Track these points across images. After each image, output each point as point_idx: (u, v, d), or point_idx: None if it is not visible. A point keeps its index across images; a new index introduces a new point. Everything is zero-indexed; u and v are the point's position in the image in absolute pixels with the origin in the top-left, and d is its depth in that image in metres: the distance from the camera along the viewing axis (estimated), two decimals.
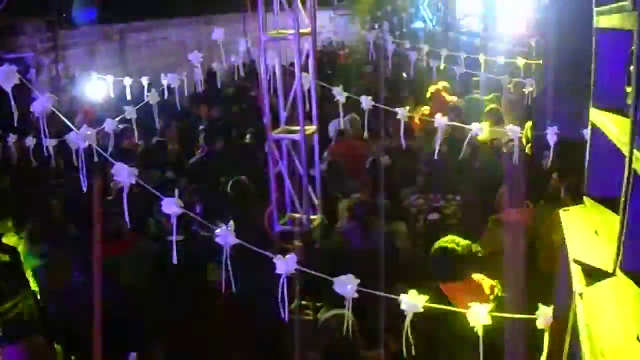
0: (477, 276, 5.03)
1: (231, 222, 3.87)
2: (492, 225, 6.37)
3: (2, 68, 3.78)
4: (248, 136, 9.29)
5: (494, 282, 5.02)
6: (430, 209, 7.17)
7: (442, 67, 11.78)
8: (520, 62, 11.11)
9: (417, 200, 7.13)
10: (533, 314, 3.67)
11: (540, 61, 10.78)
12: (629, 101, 2.58)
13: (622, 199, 2.36)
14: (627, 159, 2.33)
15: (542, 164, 7.41)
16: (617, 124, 2.72)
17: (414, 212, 7.22)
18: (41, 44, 12.83)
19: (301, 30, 5.92)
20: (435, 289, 4.86)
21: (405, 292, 3.87)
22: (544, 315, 3.44)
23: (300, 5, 6.01)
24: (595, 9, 3.07)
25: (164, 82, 8.42)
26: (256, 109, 11.53)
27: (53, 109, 3.94)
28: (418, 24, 25.98)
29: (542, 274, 5.42)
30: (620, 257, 2.40)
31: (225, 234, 3.77)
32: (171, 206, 3.76)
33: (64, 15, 13.79)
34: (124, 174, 3.77)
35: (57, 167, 7.95)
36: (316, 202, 6.46)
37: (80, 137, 3.81)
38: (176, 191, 3.83)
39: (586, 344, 2.09)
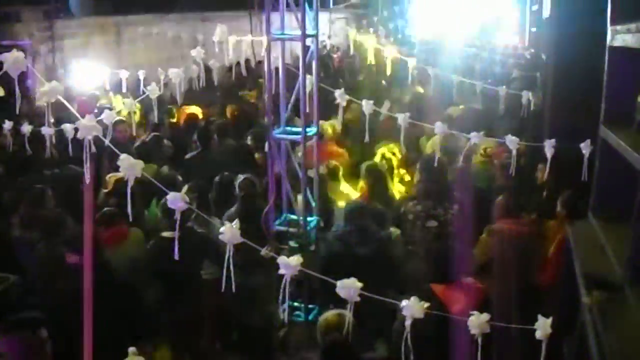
0: (468, 279, 5.10)
1: (236, 220, 3.86)
2: (487, 235, 6.42)
3: (10, 54, 3.75)
4: (249, 137, 9.25)
5: (484, 286, 5.09)
6: (427, 216, 7.17)
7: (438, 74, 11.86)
8: (516, 73, 11.18)
9: (415, 207, 7.13)
10: (528, 324, 3.69)
11: (538, 74, 10.88)
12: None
13: (635, 214, 2.39)
14: None
15: (536, 177, 7.46)
16: (628, 140, 2.76)
17: (411, 219, 7.22)
18: (39, 33, 12.78)
19: (307, 32, 5.94)
20: (425, 290, 4.92)
21: (401, 297, 3.89)
22: (543, 326, 3.46)
23: (307, 7, 6.02)
24: (609, 28, 3.10)
25: (161, 76, 8.42)
26: (253, 108, 11.56)
27: (60, 97, 3.92)
28: (414, 31, 26.06)
29: (535, 284, 5.47)
30: (628, 271, 2.43)
31: (230, 232, 3.76)
32: (177, 201, 3.76)
33: (61, 4, 13.75)
34: (130, 167, 3.76)
35: (52, 157, 7.90)
36: (313, 204, 6.47)
37: (88, 128, 3.79)
38: (185, 187, 3.83)
39: (596, 355, 2.12)
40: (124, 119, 8.98)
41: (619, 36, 3.02)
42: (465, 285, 5.07)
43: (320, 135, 8.65)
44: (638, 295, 2.30)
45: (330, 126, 9.53)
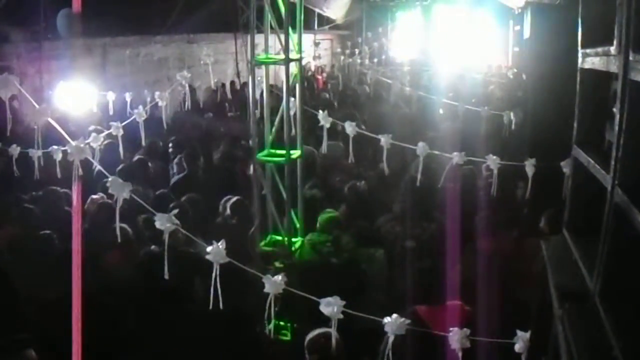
0: (454, 302, 5.17)
1: (222, 241, 3.96)
2: (469, 253, 6.51)
3: (1, 76, 3.84)
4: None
5: (469, 308, 5.16)
6: (407, 236, 7.26)
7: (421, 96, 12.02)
8: (498, 93, 11.35)
9: (395, 228, 7.22)
10: (510, 339, 3.80)
11: (519, 93, 11.06)
12: (611, 138, 2.75)
13: (603, 229, 2.51)
14: (608, 194, 2.49)
15: (517, 194, 7.58)
16: (598, 160, 2.88)
17: (391, 239, 7.30)
18: (26, 54, 12.83)
19: (290, 56, 6.07)
20: (411, 312, 4.99)
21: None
22: (522, 339, 3.57)
23: (290, 30, 6.15)
24: (580, 51, 3.23)
25: (147, 98, 8.53)
26: (238, 129, 11.65)
27: (50, 120, 4.02)
28: (397, 52, 26.27)
29: (517, 300, 5.56)
30: (598, 284, 2.54)
31: (216, 252, 3.86)
32: (165, 222, 3.85)
33: (49, 26, 13.81)
34: (119, 189, 3.86)
35: (39, 178, 7.97)
36: (298, 225, 6.58)
37: (78, 151, 3.89)
38: (175, 210, 3.93)
39: None
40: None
41: (588, 59, 3.15)
42: (451, 308, 5.15)
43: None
44: (607, 307, 2.41)
45: None
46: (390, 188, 8.45)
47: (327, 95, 16.00)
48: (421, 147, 7.06)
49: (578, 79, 3.31)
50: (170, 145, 10.33)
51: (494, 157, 7.06)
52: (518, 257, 6.26)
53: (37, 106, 4.09)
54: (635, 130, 2.33)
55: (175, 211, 4.04)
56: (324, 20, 24.29)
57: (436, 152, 7.21)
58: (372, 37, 26.40)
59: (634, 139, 2.33)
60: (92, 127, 10.71)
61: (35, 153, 7.25)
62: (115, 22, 14.46)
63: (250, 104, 6.37)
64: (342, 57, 21.78)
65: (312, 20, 23.18)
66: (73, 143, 3.95)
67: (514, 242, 6.59)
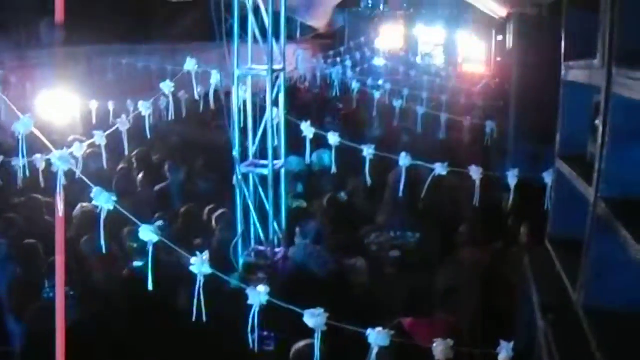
0: (438, 313, 5.20)
1: (206, 252, 3.95)
2: (452, 264, 6.54)
3: None
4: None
5: (453, 320, 5.18)
6: (391, 246, 7.27)
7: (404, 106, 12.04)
8: (480, 103, 11.40)
9: (379, 238, 7.24)
10: (493, 349, 3.81)
11: (501, 103, 11.12)
12: (593, 151, 2.77)
13: (586, 241, 2.54)
14: (591, 205, 2.52)
15: (501, 205, 7.60)
16: (581, 172, 2.91)
17: (375, 249, 7.32)
18: (10, 62, 12.75)
19: (274, 67, 6.08)
20: (396, 325, 5.00)
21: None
22: (505, 349, 3.58)
23: (273, 41, 6.17)
24: (563, 63, 3.27)
25: (130, 107, 8.50)
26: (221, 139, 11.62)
27: (34, 129, 4.01)
28: (379, 61, 26.33)
29: (500, 311, 5.58)
30: (581, 295, 2.57)
31: (200, 263, 3.84)
32: (149, 233, 3.84)
33: (33, 33, 13.75)
34: (103, 199, 3.85)
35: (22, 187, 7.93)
36: (280, 235, 6.58)
37: (64, 160, 3.88)
38: (161, 223, 3.91)
39: None
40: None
41: (571, 71, 3.19)
42: (435, 319, 5.17)
43: None
44: (589, 318, 2.43)
45: None
46: (373, 198, 8.48)
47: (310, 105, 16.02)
48: (404, 158, 7.06)
49: (561, 91, 3.35)
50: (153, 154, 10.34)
51: (477, 167, 7.06)
52: (501, 267, 6.29)
53: (21, 115, 4.07)
54: (617, 143, 2.36)
55: (160, 222, 4.03)
56: (306, 30, 24.33)
57: (419, 163, 7.21)
58: (354, 46, 26.45)
59: (617, 151, 2.36)
60: (71, 137, 10.69)
61: (18, 162, 7.21)
62: (98, 31, 14.42)
63: (234, 114, 6.36)
64: (325, 67, 21.80)
65: (294, 30, 23.19)
66: (57, 153, 3.94)
67: (497, 253, 6.62)
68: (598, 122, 2.62)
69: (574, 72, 3.13)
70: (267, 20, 6.24)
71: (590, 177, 2.61)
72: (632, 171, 2.35)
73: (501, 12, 11.45)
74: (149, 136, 7.62)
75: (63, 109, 10.49)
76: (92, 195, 3.85)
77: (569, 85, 3.27)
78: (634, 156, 2.34)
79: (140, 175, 9.38)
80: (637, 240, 2.00)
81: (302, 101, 18.01)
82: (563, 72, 3.32)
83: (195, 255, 3.94)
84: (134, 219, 3.94)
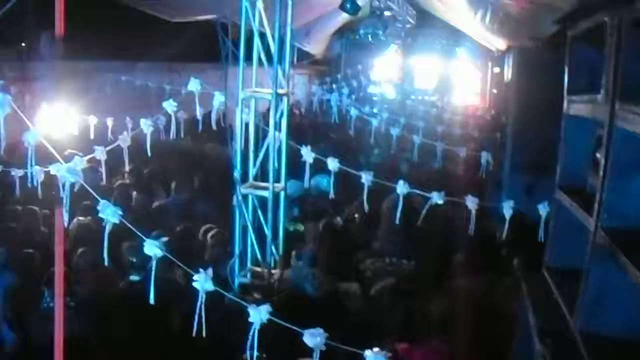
0: (433, 341, 5.24)
1: (209, 269, 4.00)
2: (446, 291, 6.58)
3: None
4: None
5: (447, 347, 5.22)
6: (385, 273, 7.31)
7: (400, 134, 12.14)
8: (476, 135, 11.49)
9: (374, 264, 7.28)
10: None
11: (497, 135, 11.22)
12: (593, 182, 2.86)
13: (585, 268, 2.62)
14: (591, 234, 2.60)
15: (496, 236, 7.66)
16: (581, 203, 2.99)
17: (369, 276, 7.35)
18: (10, 73, 12.80)
19: (279, 90, 6.18)
20: (391, 350, 5.03)
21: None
22: None
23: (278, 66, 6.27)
24: (566, 97, 3.37)
25: (129, 125, 8.57)
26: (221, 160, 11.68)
27: (43, 140, 4.08)
28: (375, 90, 26.46)
29: (492, 340, 5.63)
30: (579, 320, 2.64)
31: (203, 280, 3.89)
32: (153, 248, 3.89)
33: (34, 46, 13.81)
34: (109, 212, 3.91)
35: (20, 198, 8.00)
36: (277, 257, 6.64)
37: (71, 172, 3.95)
38: (164, 239, 3.97)
39: None
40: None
41: (573, 105, 3.28)
42: (429, 346, 5.21)
43: None
44: (586, 342, 2.51)
45: None
46: (369, 225, 8.53)
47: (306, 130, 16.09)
48: (401, 186, 7.12)
49: (562, 124, 3.44)
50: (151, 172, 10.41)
51: (473, 197, 7.13)
52: (494, 297, 6.34)
53: (32, 126, 4.14)
54: (618, 175, 2.45)
55: (165, 238, 4.08)
56: (303, 56, 24.46)
57: (416, 191, 7.27)
58: (351, 73, 26.58)
59: (618, 183, 2.44)
60: (67, 152, 10.74)
61: (17, 173, 7.32)
62: (98, 47, 14.49)
63: (237, 136, 6.44)
64: (321, 93, 21.92)
65: (291, 55, 23.30)
66: (65, 165, 4.00)
67: (491, 283, 6.67)
68: (599, 154, 2.71)
69: (577, 106, 3.22)
70: (273, 46, 6.33)
71: (590, 208, 2.69)
72: (632, 202, 2.44)
73: (499, 44, 11.59)
74: (149, 154, 7.65)
75: (61, 123, 10.58)
76: (89, 207, 3.90)
77: (571, 118, 3.36)
78: (634, 188, 2.43)
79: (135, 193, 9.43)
80: (637, 266, 2.08)
81: (297, 126, 18.12)
82: (565, 105, 3.41)
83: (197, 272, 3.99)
84: (138, 233, 3.99)
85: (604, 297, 2.53)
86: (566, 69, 3.42)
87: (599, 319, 2.56)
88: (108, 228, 3.98)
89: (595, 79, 2.81)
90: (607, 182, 2.50)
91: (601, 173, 2.58)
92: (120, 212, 3.97)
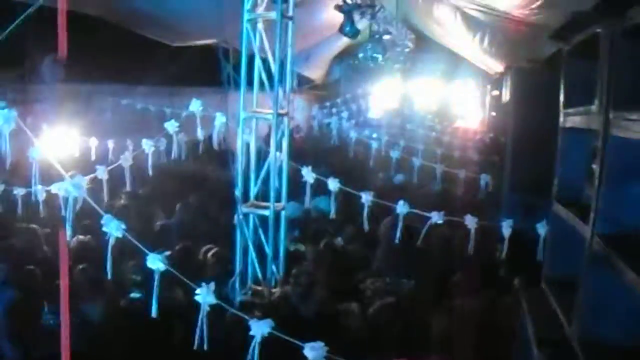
0: (433, 357, 5.26)
1: (212, 283, 4.03)
2: (445, 310, 6.60)
3: (2, 112, 3.95)
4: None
5: None
6: (385, 292, 7.32)
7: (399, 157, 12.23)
8: (476, 158, 11.57)
9: (374, 284, 7.30)
10: None
11: (496, 157, 11.29)
12: (589, 192, 2.92)
13: (582, 276, 2.67)
14: (587, 241, 2.65)
15: (495, 255, 7.69)
16: (577, 212, 3.04)
17: (369, 295, 7.37)
18: (11, 95, 12.86)
19: (279, 111, 6.25)
20: None
21: None
22: None
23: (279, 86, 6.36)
24: (562, 111, 3.43)
25: (130, 146, 8.64)
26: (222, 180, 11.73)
27: (50, 158, 4.13)
28: (375, 113, 26.55)
29: (494, 357, 5.64)
30: (576, 328, 2.68)
31: (205, 293, 3.93)
32: (156, 262, 3.93)
33: (35, 69, 13.87)
34: (113, 226, 3.95)
35: (23, 216, 8.05)
36: (278, 276, 6.67)
37: (77, 187, 4.00)
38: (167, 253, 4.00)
39: None
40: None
41: (569, 118, 3.34)
42: None
43: None
44: (584, 350, 2.54)
45: None
46: (369, 244, 8.57)
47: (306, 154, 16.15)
48: (401, 206, 7.18)
49: (559, 137, 3.50)
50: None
51: (472, 217, 7.18)
52: (494, 315, 6.36)
53: (37, 143, 4.20)
54: (613, 181, 2.50)
55: (167, 252, 4.12)
56: (302, 80, 24.57)
57: (416, 211, 7.32)
58: (350, 98, 26.68)
59: (613, 189, 2.50)
60: (70, 172, 10.79)
61: (20, 192, 7.39)
62: (98, 70, 14.58)
63: (239, 156, 6.50)
64: (321, 117, 22.02)
65: (292, 79, 23.37)
66: (70, 180, 4.05)
67: (490, 301, 6.69)
68: (595, 165, 2.76)
69: (572, 118, 3.28)
70: (274, 68, 6.42)
71: (586, 217, 2.74)
72: (627, 208, 2.49)
73: (497, 67, 11.67)
74: (150, 173, 7.71)
75: (63, 144, 10.65)
76: (89, 226, 3.95)
77: (567, 131, 3.42)
78: (628, 194, 2.48)
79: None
80: (633, 269, 2.12)
81: (298, 150, 18.18)
82: (561, 119, 3.47)
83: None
84: (141, 247, 4.03)
85: (601, 304, 2.57)
86: (562, 84, 3.49)
87: (597, 326, 2.59)
88: (111, 241, 4.02)
89: (590, 92, 2.87)
90: (602, 188, 2.54)
91: (596, 180, 2.63)
92: (123, 227, 4.01)
